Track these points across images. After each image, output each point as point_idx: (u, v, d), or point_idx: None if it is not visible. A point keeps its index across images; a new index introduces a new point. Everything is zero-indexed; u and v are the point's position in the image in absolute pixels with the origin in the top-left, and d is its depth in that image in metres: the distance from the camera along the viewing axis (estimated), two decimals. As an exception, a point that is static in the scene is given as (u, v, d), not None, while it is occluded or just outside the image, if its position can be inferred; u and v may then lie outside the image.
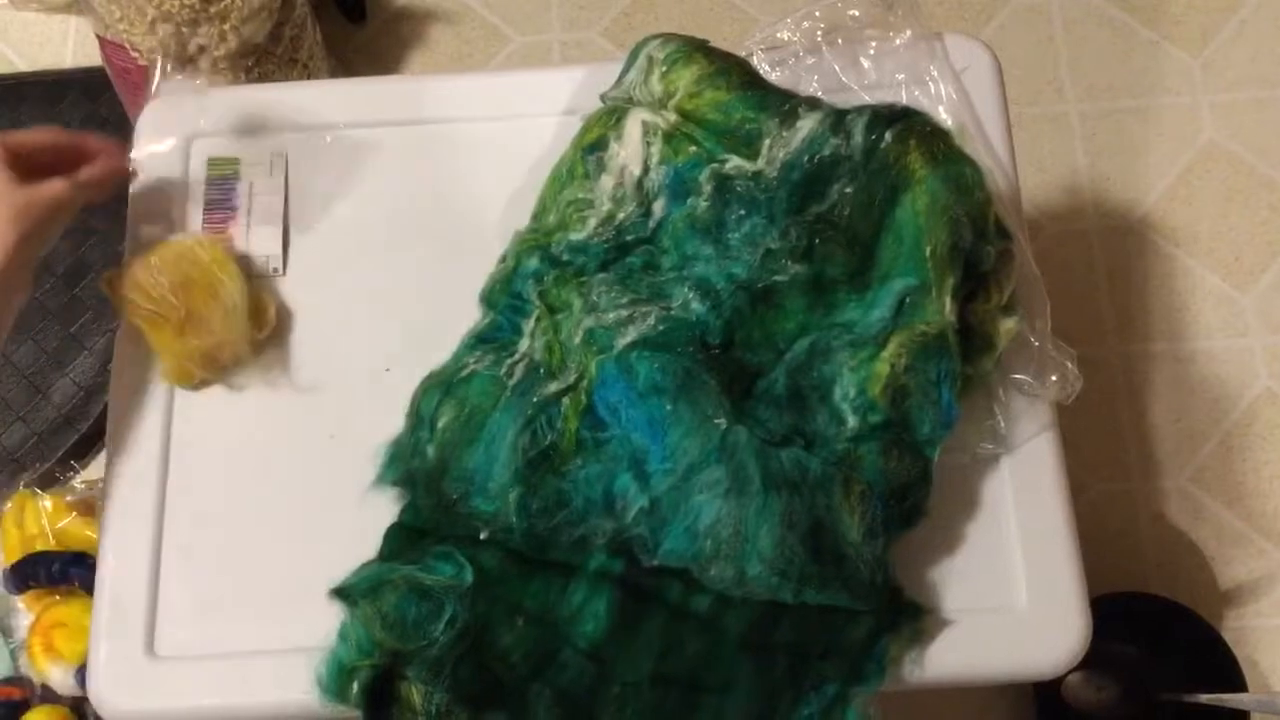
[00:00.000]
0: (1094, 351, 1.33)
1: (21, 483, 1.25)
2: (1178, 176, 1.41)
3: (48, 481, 1.27)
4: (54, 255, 1.37)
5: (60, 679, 1.12)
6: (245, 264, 0.83)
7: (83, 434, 1.30)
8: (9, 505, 1.21)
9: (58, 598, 1.16)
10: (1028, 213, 0.85)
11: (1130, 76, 1.46)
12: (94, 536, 1.16)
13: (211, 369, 0.81)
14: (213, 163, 0.87)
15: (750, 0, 1.53)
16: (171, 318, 0.79)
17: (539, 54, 1.51)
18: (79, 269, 1.37)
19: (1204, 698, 1.09)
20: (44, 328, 1.34)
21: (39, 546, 1.17)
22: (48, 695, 1.15)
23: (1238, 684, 1.14)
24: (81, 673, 0.96)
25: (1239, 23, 1.48)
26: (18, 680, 1.16)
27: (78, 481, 1.27)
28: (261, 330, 0.81)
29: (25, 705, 1.14)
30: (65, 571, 1.14)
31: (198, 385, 0.82)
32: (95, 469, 1.31)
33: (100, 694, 0.75)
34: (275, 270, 0.85)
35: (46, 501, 1.20)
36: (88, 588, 0.98)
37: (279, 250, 0.85)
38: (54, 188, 0.77)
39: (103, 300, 1.33)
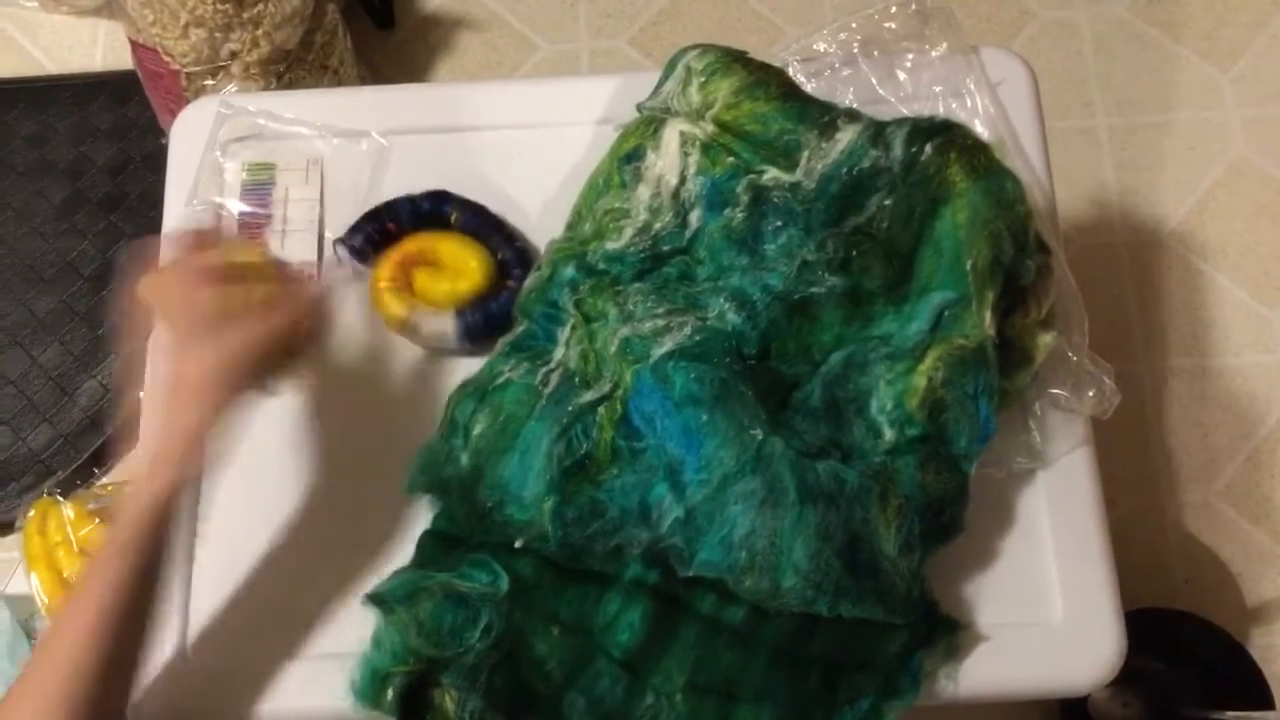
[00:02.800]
0: (1122, 366, 1.32)
1: (46, 487, 1.26)
2: (1207, 191, 1.41)
3: (73, 483, 1.27)
4: (82, 258, 1.38)
5: (431, 326, 0.82)
6: (280, 270, 0.83)
7: (109, 436, 1.30)
8: (32, 513, 1.21)
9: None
10: (1056, 226, 0.85)
11: (1159, 91, 1.45)
12: (118, 542, 1.16)
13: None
14: (249, 168, 0.87)
15: (778, 11, 1.53)
16: (206, 323, 0.79)
17: (567, 62, 1.51)
18: (106, 271, 1.38)
19: (1230, 715, 1.08)
20: (71, 330, 1.35)
21: (62, 554, 1.17)
22: None
23: (1264, 701, 1.13)
24: (464, 318, 0.80)
25: (1269, 38, 1.47)
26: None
27: (104, 483, 1.27)
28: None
29: None
30: (439, 209, 0.85)
31: (231, 390, 0.82)
32: (120, 472, 1.31)
33: (134, 699, 0.74)
34: (312, 277, 0.85)
35: (69, 510, 1.19)
36: (468, 229, 0.83)
37: (314, 256, 0.85)
38: (254, 335, 0.65)
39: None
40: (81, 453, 1.29)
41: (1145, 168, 1.42)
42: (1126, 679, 1.15)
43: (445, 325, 0.81)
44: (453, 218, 0.84)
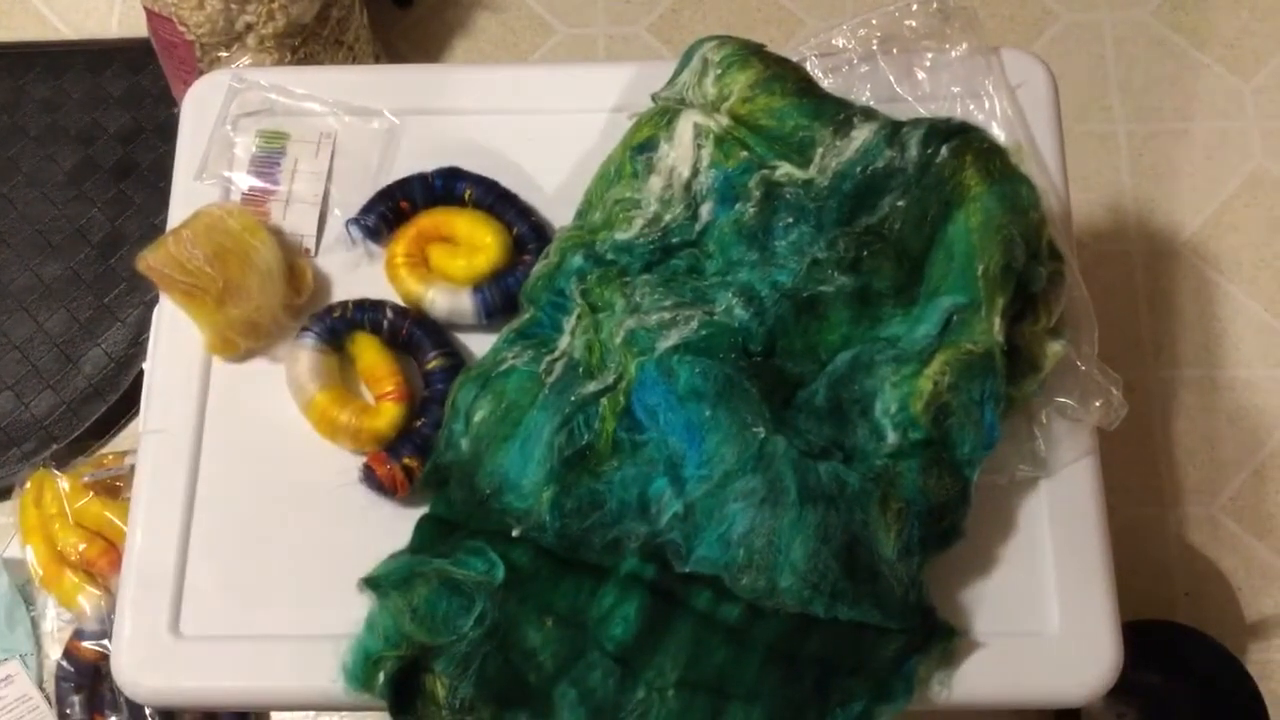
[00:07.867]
0: (1130, 374, 1.31)
1: (46, 455, 1.25)
2: (1223, 202, 1.39)
3: (74, 452, 1.27)
4: (90, 225, 1.38)
5: (448, 302, 0.80)
6: (279, 239, 0.83)
7: (111, 405, 1.30)
8: (28, 485, 1.21)
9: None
10: (1070, 231, 0.84)
11: (1180, 98, 1.44)
12: (112, 518, 1.16)
13: (254, 336, 0.80)
14: (262, 135, 0.87)
15: (797, 1, 1.52)
16: (210, 289, 0.79)
17: (584, 46, 1.50)
18: (115, 240, 1.37)
19: (1225, 730, 1.08)
20: (77, 297, 1.35)
21: (57, 527, 1.17)
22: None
23: (1260, 718, 1.13)
24: (481, 293, 0.80)
25: (1293, 49, 1.46)
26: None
27: (104, 453, 1.27)
28: (300, 295, 0.82)
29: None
30: (453, 186, 0.84)
31: (242, 356, 0.81)
32: (122, 441, 1.31)
33: (124, 671, 0.75)
34: (308, 250, 0.85)
35: (64, 483, 1.19)
36: (483, 205, 0.83)
37: (314, 231, 0.85)
38: None
39: (137, 271, 1.33)
40: (84, 421, 1.29)
41: (1162, 175, 1.41)
42: (1122, 690, 1.14)
43: (463, 301, 0.80)
44: (467, 194, 0.84)
